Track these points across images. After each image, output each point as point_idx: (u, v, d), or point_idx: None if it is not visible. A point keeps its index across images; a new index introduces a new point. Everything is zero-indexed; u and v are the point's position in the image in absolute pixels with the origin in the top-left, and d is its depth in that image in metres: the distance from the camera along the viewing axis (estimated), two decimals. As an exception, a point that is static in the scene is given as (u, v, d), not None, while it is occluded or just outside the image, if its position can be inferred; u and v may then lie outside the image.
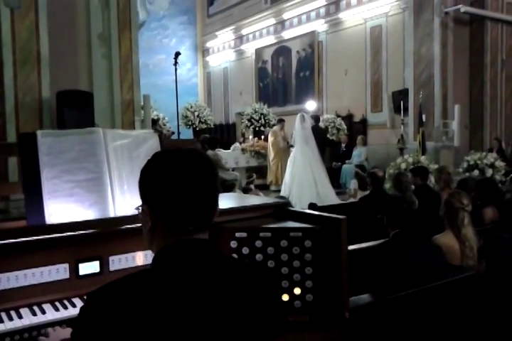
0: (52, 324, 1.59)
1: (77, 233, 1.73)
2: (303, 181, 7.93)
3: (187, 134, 13.23)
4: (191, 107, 13.98)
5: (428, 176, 5.50)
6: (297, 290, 1.76)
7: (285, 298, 1.76)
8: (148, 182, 1.10)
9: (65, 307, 1.68)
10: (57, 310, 1.67)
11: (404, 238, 2.77)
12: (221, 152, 10.02)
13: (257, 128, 12.78)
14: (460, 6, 9.42)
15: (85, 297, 1.61)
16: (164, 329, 0.97)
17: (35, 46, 4.90)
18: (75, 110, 4.87)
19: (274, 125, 11.25)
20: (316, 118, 10.14)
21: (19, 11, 4.78)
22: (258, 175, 9.63)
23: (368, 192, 5.31)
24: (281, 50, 14.57)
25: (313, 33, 13.29)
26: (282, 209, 2.08)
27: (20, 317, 1.61)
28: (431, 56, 9.58)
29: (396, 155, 8.90)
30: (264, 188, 9.48)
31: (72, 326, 1.06)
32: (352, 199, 6.75)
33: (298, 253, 1.76)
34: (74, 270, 1.77)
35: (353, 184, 7.60)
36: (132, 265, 1.85)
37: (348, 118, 12.09)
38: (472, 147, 9.56)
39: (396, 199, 3.09)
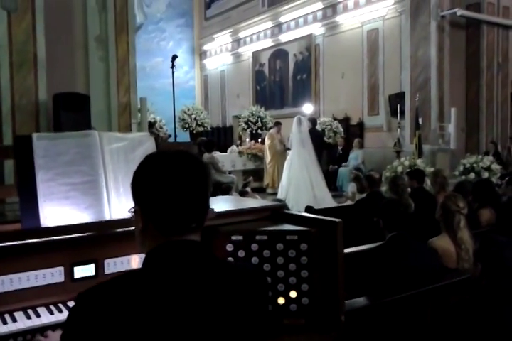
0: (47, 327, 1.58)
1: (72, 236, 1.72)
2: (299, 184, 7.93)
3: (184, 137, 13.23)
4: (188, 110, 13.98)
5: (424, 179, 5.51)
6: (293, 294, 1.76)
7: (281, 301, 1.76)
8: (139, 183, 1.11)
9: (60, 311, 1.68)
10: (51, 313, 1.66)
11: (400, 241, 2.77)
12: (218, 155, 10.02)
13: (254, 131, 12.78)
14: (456, 9, 9.47)
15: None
16: (154, 330, 0.98)
17: (32, 48, 4.89)
18: (71, 113, 4.86)
19: (271, 128, 11.26)
20: (313, 121, 10.15)
21: (16, 14, 4.77)
22: (255, 178, 9.64)
23: (364, 195, 5.32)
24: (279, 53, 14.60)
25: (310, 36, 13.33)
26: (278, 212, 2.08)
27: (14, 320, 1.60)
28: (427, 59, 9.62)
29: (392, 158, 8.90)
30: (260, 191, 9.48)
31: (63, 327, 1.06)
32: (349, 202, 6.75)
33: (294, 256, 1.76)
34: (69, 273, 1.76)
35: (351, 187, 7.59)
36: (128, 268, 1.84)
37: (345, 121, 12.11)
38: (468, 150, 9.59)
39: (392, 202, 3.09)
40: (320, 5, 12.77)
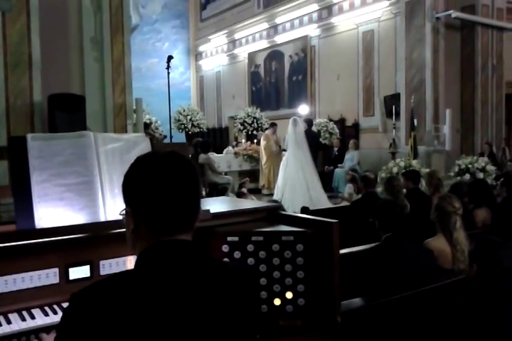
0: (42, 329, 1.57)
1: (67, 237, 1.71)
2: (295, 185, 7.94)
3: (179, 138, 13.21)
4: (184, 111, 13.97)
5: (420, 180, 5.52)
6: (289, 295, 1.76)
7: (277, 302, 1.76)
8: (130, 185, 1.12)
9: (55, 312, 1.67)
10: (46, 315, 1.65)
11: (395, 242, 2.78)
12: (214, 156, 10.02)
13: (249, 132, 12.79)
14: (451, 11, 9.51)
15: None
16: (147, 329, 0.98)
17: (27, 49, 4.87)
18: (66, 113, 4.84)
19: (266, 129, 11.27)
20: (309, 122, 10.16)
21: (10, 14, 4.75)
22: (251, 179, 9.63)
23: (359, 196, 5.32)
24: (274, 55, 14.62)
25: (305, 38, 13.35)
26: (274, 213, 2.08)
27: (9, 322, 1.59)
28: (422, 61, 9.65)
29: (388, 159, 8.93)
30: (256, 192, 9.48)
31: (57, 328, 1.06)
32: (345, 203, 6.75)
33: (290, 257, 1.76)
34: (64, 274, 1.75)
35: (348, 188, 7.59)
36: (123, 269, 1.83)
37: (341, 122, 12.14)
38: (463, 151, 9.63)
39: (388, 203, 3.10)
40: (315, 6, 12.80)
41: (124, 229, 1.17)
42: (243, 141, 12.42)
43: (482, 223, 4.35)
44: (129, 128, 5.81)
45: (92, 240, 1.77)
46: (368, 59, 11.63)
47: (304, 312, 1.75)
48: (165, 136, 10.72)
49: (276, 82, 14.58)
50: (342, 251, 2.39)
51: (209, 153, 9.25)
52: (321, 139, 11.07)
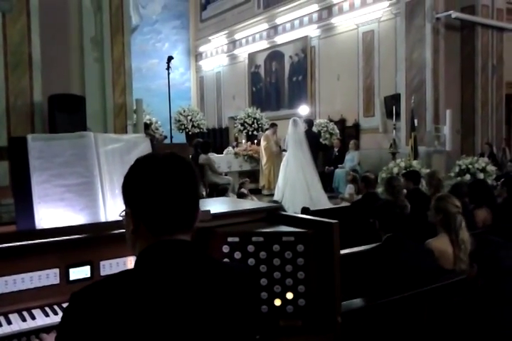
0: (42, 330, 1.57)
1: (67, 238, 1.71)
2: (295, 185, 7.93)
3: (180, 138, 13.21)
4: (184, 111, 13.96)
5: (420, 180, 5.52)
6: (289, 295, 1.76)
7: (277, 302, 1.76)
8: (129, 186, 1.14)
9: (55, 313, 1.67)
10: (47, 315, 1.65)
11: (396, 242, 2.77)
12: (214, 156, 10.02)
13: (250, 133, 12.79)
14: (451, 11, 9.51)
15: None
16: (147, 328, 0.99)
17: (27, 49, 4.87)
18: (66, 114, 4.84)
19: (266, 129, 11.27)
20: (309, 122, 10.16)
21: (11, 15, 4.75)
22: (251, 180, 9.63)
23: (360, 197, 5.32)
24: (274, 55, 14.62)
25: (305, 38, 13.35)
26: (275, 214, 2.08)
27: (9, 322, 1.59)
28: (422, 61, 9.65)
29: (388, 159, 8.92)
30: (256, 192, 9.48)
31: (57, 328, 1.06)
32: (345, 204, 6.75)
33: (290, 257, 1.76)
34: (64, 275, 1.75)
35: (349, 188, 7.59)
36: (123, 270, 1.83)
37: (341, 122, 12.14)
38: (464, 151, 9.62)
39: (388, 204, 3.09)
40: (315, 7, 12.80)
41: (124, 230, 1.18)
42: (243, 141, 12.42)
43: (482, 223, 4.35)
44: (129, 129, 5.81)
45: (92, 240, 1.77)
46: (368, 59, 11.63)
47: (304, 312, 1.75)
48: (165, 137, 10.72)
49: (277, 82, 14.58)
50: (342, 252, 2.39)
51: (209, 154, 9.26)
52: (321, 140, 11.07)
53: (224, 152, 11.50)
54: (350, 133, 11.93)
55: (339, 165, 10.62)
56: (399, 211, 2.96)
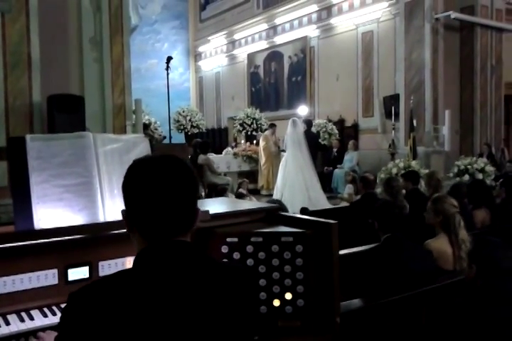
0: (41, 330, 1.56)
1: (66, 238, 1.71)
2: (294, 185, 7.94)
3: (179, 139, 13.21)
4: (183, 112, 13.96)
5: (419, 181, 5.52)
6: (288, 296, 1.75)
7: (276, 303, 1.76)
8: (125, 188, 1.13)
9: (54, 314, 1.67)
10: (45, 316, 1.65)
11: (395, 242, 2.77)
12: (213, 156, 10.02)
13: (249, 133, 12.78)
14: (450, 12, 9.51)
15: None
16: (145, 327, 0.99)
17: (26, 49, 4.87)
18: (65, 114, 4.84)
19: (266, 130, 11.27)
20: (308, 122, 10.16)
21: (10, 15, 4.75)
22: (250, 180, 9.62)
23: (359, 197, 5.32)
24: (274, 55, 14.62)
25: (305, 39, 13.36)
26: (274, 214, 2.08)
27: (7, 323, 1.59)
28: (422, 62, 9.66)
29: (387, 160, 8.93)
30: (255, 193, 9.48)
31: (57, 328, 1.07)
32: (344, 204, 6.75)
33: (289, 258, 1.76)
34: (63, 275, 1.75)
35: (348, 188, 7.59)
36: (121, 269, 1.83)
37: (340, 123, 12.14)
38: (462, 152, 9.63)
39: (387, 204, 3.09)
40: (315, 7, 12.81)
41: (124, 230, 1.18)
42: (242, 141, 12.42)
43: (481, 224, 4.35)
44: (128, 129, 5.81)
45: (91, 241, 1.77)
46: (368, 59, 11.64)
47: (303, 313, 1.75)
48: (164, 137, 10.71)
49: (276, 82, 14.58)
50: (341, 252, 2.39)
51: (208, 154, 9.25)
52: (320, 140, 11.07)
53: (223, 152, 11.49)
54: (349, 133, 11.93)
55: (338, 166, 10.62)
56: (398, 211, 2.96)
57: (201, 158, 8.78)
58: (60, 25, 5.38)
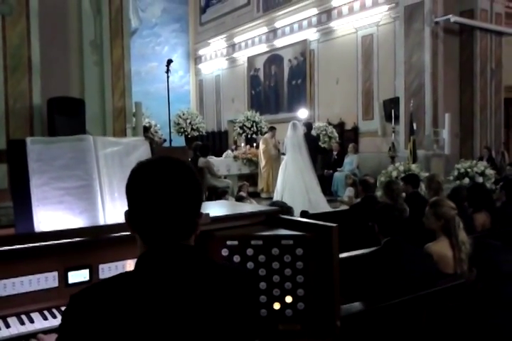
0: (41, 333, 1.56)
1: (66, 241, 1.71)
2: (294, 188, 7.94)
3: (179, 141, 13.21)
4: (183, 114, 13.97)
5: (419, 184, 5.52)
6: (289, 299, 1.75)
7: (276, 306, 1.75)
8: (128, 190, 1.13)
9: (54, 316, 1.66)
10: (45, 318, 1.65)
11: (395, 246, 2.77)
12: (213, 159, 10.01)
13: (249, 136, 12.79)
14: (450, 16, 9.54)
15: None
16: (146, 330, 0.99)
17: (26, 52, 4.87)
18: (66, 117, 4.84)
19: (266, 133, 11.28)
20: (308, 125, 10.17)
21: (10, 17, 4.76)
22: (250, 183, 9.62)
23: (359, 200, 5.32)
24: (274, 59, 14.65)
25: (305, 42, 13.38)
26: (274, 217, 2.07)
27: (7, 326, 1.59)
28: (421, 65, 9.68)
29: (387, 163, 8.93)
30: (255, 196, 9.47)
31: (58, 330, 1.06)
32: (344, 207, 6.75)
33: (289, 261, 1.75)
34: (63, 278, 1.75)
35: (348, 191, 7.60)
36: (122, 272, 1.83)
37: (340, 126, 12.15)
38: (462, 155, 9.64)
39: (387, 207, 3.09)
40: (315, 11, 12.84)
41: (124, 233, 1.18)
42: (242, 144, 12.42)
43: (481, 227, 4.35)
44: (129, 132, 5.81)
45: (91, 244, 1.76)
46: (367, 63, 11.66)
47: (303, 316, 1.74)
48: (164, 140, 10.72)
49: (276, 85, 14.60)
50: (341, 255, 2.39)
51: (208, 157, 9.25)
52: (320, 143, 11.08)
53: (223, 155, 11.49)
54: (349, 136, 11.94)
55: (338, 169, 10.62)
56: (398, 214, 2.95)
57: (201, 160, 8.78)
58: (60, 28, 5.39)
